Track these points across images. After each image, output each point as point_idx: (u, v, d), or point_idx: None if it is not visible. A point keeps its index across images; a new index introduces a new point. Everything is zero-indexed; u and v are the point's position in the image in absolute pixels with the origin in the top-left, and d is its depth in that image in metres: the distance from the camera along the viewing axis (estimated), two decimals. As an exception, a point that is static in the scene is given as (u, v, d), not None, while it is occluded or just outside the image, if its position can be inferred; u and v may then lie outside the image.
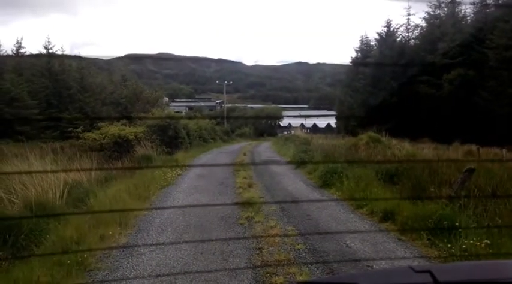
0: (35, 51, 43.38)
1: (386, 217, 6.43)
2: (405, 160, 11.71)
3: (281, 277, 4.11)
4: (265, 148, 26.38)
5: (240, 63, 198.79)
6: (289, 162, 14.81)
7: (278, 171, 13.06)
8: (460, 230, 4.94)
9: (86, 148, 19.20)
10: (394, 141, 21.16)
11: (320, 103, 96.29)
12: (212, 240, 5.39)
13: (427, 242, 5.21)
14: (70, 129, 21.69)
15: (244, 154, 20.31)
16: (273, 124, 63.53)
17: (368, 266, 4.59)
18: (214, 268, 4.40)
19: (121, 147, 18.12)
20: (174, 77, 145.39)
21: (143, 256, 4.82)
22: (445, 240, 4.98)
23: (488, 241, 4.61)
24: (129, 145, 18.13)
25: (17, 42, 41.77)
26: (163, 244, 5.26)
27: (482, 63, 31.93)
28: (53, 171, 7.45)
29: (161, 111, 27.04)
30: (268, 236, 5.53)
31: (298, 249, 5.10)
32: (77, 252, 4.58)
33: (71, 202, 7.19)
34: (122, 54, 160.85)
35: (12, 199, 6.96)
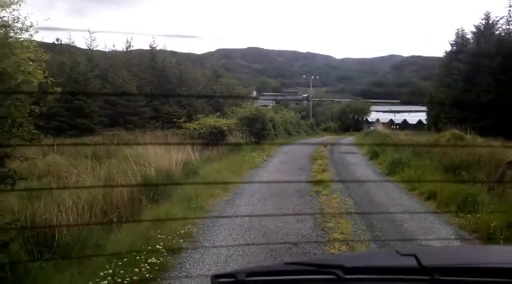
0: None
1: (431, 196, 7.91)
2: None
3: (332, 223, 6.01)
4: (346, 142, 27.71)
5: (328, 56, 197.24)
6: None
7: (352, 161, 14.68)
8: (478, 204, 6.38)
9: (187, 136, 22.44)
10: (480, 139, 21.16)
11: (412, 98, 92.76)
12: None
13: (454, 213, 6.68)
14: (174, 120, 25.27)
15: (324, 146, 21.98)
16: (360, 119, 63.40)
17: (401, 224, 6.25)
18: (287, 218, 6.43)
19: (216, 136, 20.94)
20: (262, 71, 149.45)
21: (240, 208, 7.02)
22: (467, 212, 6.43)
23: (504, 214, 6.00)
24: (223, 134, 20.81)
25: (127, 41, 47.31)
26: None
27: None
28: (177, 144, 10.05)
29: (250, 105, 29.64)
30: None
31: (351, 211, 6.91)
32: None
33: (185, 173, 9.72)
34: (214, 49, 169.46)
35: (147, 168, 9.69)
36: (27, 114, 4.83)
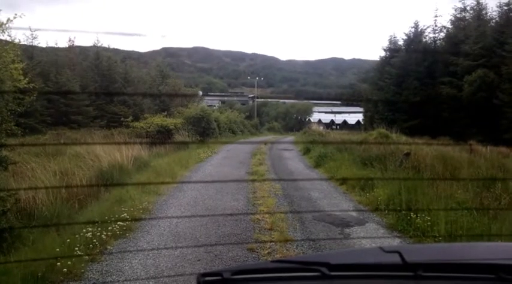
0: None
1: (343, 182, 9.75)
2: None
3: (261, 201, 7.58)
4: (286, 140, 29.73)
5: (273, 57, 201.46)
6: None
7: (287, 156, 16.47)
8: (374, 185, 8.23)
9: (134, 135, 23.24)
10: (404, 138, 23.83)
11: (353, 100, 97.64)
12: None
13: (357, 192, 8.51)
14: (122, 119, 25.83)
15: (265, 144, 23.75)
16: (303, 119, 66.25)
17: (315, 201, 7.94)
18: (226, 199, 7.93)
19: (163, 135, 21.97)
20: (208, 71, 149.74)
21: (187, 192, 8.42)
22: (365, 191, 8.28)
23: (387, 191, 7.86)
24: (170, 133, 21.89)
25: (70, 40, 46.41)
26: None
27: (500, 65, 32.88)
28: (127, 143, 11.18)
29: (196, 106, 30.83)
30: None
31: (278, 194, 8.53)
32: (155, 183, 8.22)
33: (137, 166, 10.91)
34: (159, 48, 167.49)
35: (101, 163, 10.75)
36: (9, 113, 5.91)
